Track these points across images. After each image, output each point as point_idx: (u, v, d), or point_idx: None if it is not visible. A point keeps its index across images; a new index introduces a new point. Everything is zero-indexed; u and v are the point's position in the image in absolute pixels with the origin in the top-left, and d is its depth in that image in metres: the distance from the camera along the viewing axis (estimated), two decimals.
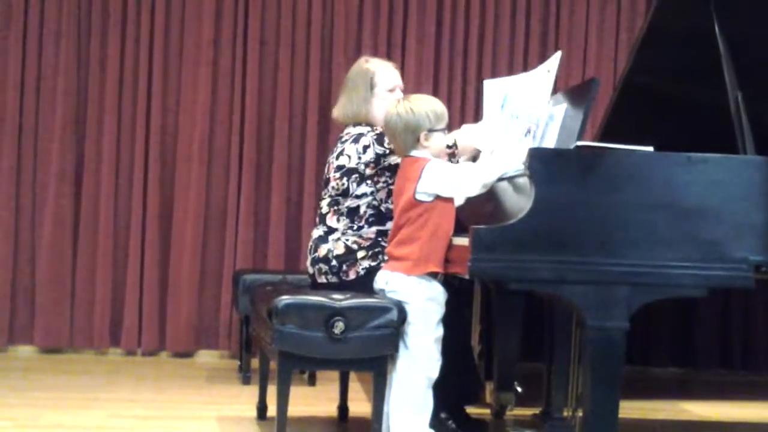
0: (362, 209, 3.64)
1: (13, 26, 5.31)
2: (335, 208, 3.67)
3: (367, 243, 3.63)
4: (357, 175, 3.64)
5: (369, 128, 3.71)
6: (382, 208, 3.63)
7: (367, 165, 3.63)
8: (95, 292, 5.33)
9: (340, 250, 3.62)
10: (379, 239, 3.63)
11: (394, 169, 3.57)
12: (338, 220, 3.66)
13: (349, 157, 3.65)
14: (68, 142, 5.34)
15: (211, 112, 5.41)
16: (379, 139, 3.63)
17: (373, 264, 3.59)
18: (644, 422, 4.28)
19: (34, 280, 5.33)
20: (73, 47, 5.34)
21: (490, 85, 3.71)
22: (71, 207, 5.35)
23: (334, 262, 3.61)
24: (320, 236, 3.66)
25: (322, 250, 3.66)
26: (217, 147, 5.43)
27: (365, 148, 3.65)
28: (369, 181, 3.63)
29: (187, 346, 5.38)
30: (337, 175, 3.67)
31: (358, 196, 3.64)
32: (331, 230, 3.66)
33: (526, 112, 3.40)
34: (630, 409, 4.19)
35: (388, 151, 3.61)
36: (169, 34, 5.40)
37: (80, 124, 5.38)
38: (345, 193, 3.65)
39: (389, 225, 3.62)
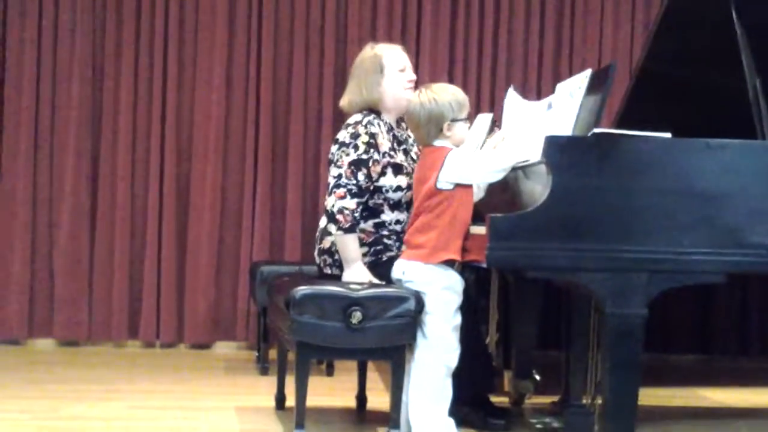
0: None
1: (29, 19, 5.32)
2: None
3: (370, 239, 3.61)
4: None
5: (360, 117, 3.67)
6: (371, 204, 3.62)
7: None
8: (113, 285, 5.35)
9: None
10: (381, 233, 3.62)
11: (366, 165, 3.55)
12: None
13: (332, 150, 3.66)
14: (84, 136, 5.35)
15: (226, 104, 5.41)
16: (346, 140, 3.60)
17: (374, 260, 3.59)
18: (663, 409, 4.27)
19: (52, 274, 5.35)
20: (89, 39, 5.35)
21: (512, 96, 3.76)
22: (88, 200, 5.36)
23: (337, 256, 3.61)
24: (325, 227, 3.66)
25: (327, 243, 3.67)
26: (232, 139, 5.43)
27: (336, 141, 3.65)
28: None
29: (205, 337, 5.40)
30: (328, 167, 3.67)
31: None
32: None
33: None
34: (648, 396, 4.17)
35: (341, 156, 3.57)
36: (183, 24, 5.40)
37: (96, 118, 5.38)
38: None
39: (384, 217, 3.62)
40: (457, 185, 3.31)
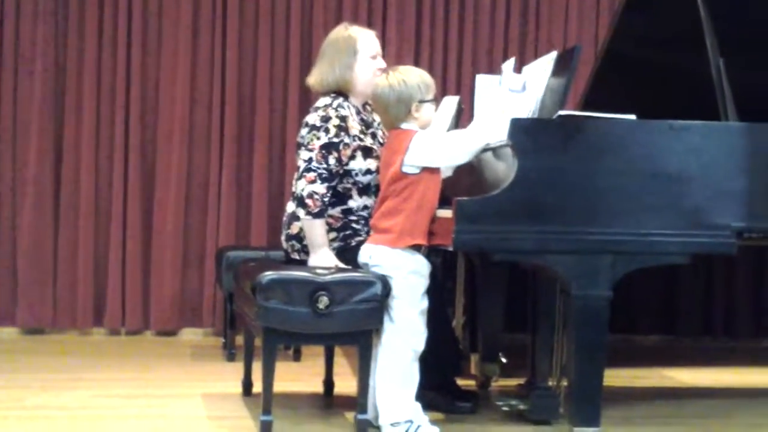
0: None
1: None
2: None
3: (338, 224, 3.60)
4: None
5: (329, 100, 3.65)
6: (339, 189, 3.60)
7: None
8: (77, 272, 5.30)
9: None
10: (349, 218, 3.61)
11: (337, 149, 3.54)
12: None
13: (301, 133, 3.64)
14: (47, 122, 5.29)
15: (191, 88, 5.37)
16: (316, 123, 3.58)
17: (343, 245, 3.58)
18: (628, 390, 4.30)
19: (15, 262, 5.29)
20: (51, 30, 5.28)
21: (482, 81, 3.75)
22: (51, 187, 5.31)
23: (305, 242, 3.60)
24: (293, 212, 3.64)
25: (295, 228, 3.65)
26: (197, 123, 5.39)
27: (305, 125, 3.63)
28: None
29: (171, 324, 5.37)
30: (297, 150, 3.65)
31: None
32: None
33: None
34: (614, 377, 4.21)
35: (312, 139, 3.55)
36: (147, 8, 5.34)
37: (59, 103, 5.32)
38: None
39: (351, 203, 3.60)
40: (424, 169, 3.30)
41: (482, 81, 3.91)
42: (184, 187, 5.36)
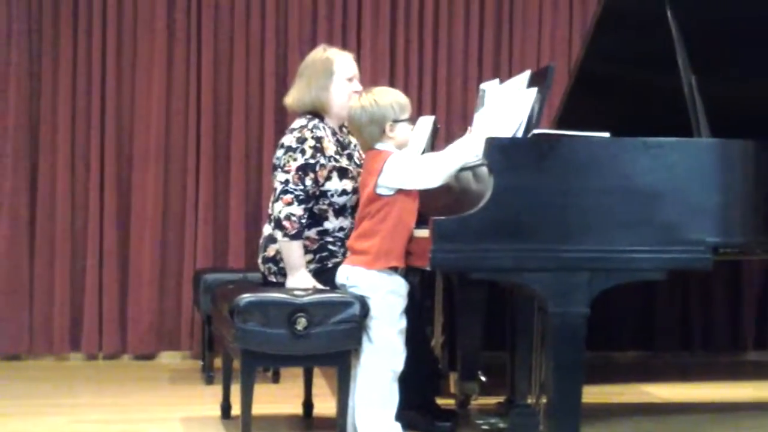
0: None
1: None
2: None
3: (314, 246, 3.60)
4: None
5: (305, 121, 3.65)
6: (315, 210, 3.60)
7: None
8: (54, 296, 5.26)
9: None
10: (326, 240, 3.61)
11: (313, 170, 3.53)
12: None
13: (277, 155, 3.64)
14: (22, 143, 5.25)
15: (166, 110, 5.36)
16: (292, 145, 3.58)
17: (320, 267, 3.58)
18: (607, 406, 4.31)
19: None
20: (25, 45, 5.26)
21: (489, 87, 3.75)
22: (27, 210, 5.27)
23: (282, 264, 3.59)
24: (270, 235, 3.64)
25: (271, 251, 3.65)
26: (173, 146, 5.37)
27: (281, 146, 3.63)
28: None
29: (149, 347, 5.34)
30: (273, 172, 3.65)
31: None
32: None
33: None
34: (592, 394, 4.22)
35: (288, 160, 3.55)
36: (121, 29, 5.33)
37: (34, 124, 5.29)
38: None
39: (327, 225, 3.60)
40: (399, 191, 3.30)
41: (489, 88, 3.87)
42: (161, 209, 5.34)
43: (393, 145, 3.38)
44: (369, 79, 5.26)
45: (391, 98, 3.38)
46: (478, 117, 3.74)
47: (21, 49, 5.25)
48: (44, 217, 5.28)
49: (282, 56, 5.43)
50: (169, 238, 5.36)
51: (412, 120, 3.53)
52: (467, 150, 3.25)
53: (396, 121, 3.37)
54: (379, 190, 3.30)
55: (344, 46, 4.91)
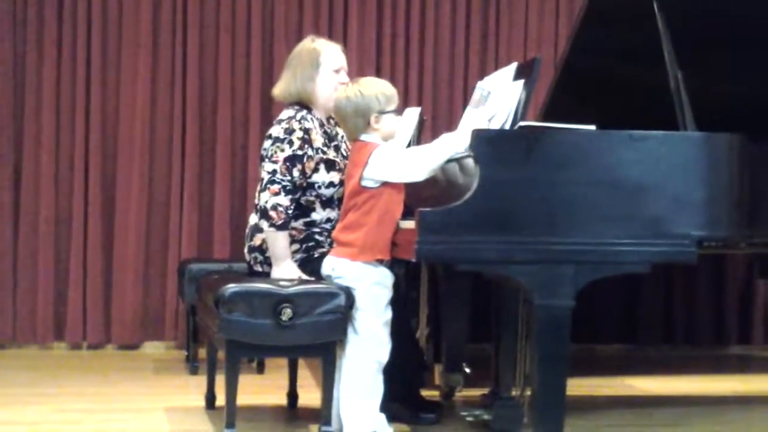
0: None
1: None
2: None
3: (301, 236, 3.60)
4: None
5: (292, 112, 3.65)
6: (302, 201, 3.60)
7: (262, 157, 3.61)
8: (37, 285, 5.24)
9: None
10: (312, 230, 3.61)
11: (301, 161, 3.53)
12: None
13: (264, 146, 3.63)
14: (6, 134, 5.23)
15: (151, 101, 5.34)
16: (280, 136, 3.57)
17: (306, 256, 3.57)
18: (591, 399, 4.33)
19: None
20: (9, 37, 5.23)
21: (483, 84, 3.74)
22: (11, 200, 5.25)
23: (268, 253, 3.59)
24: (256, 224, 3.63)
25: (257, 240, 3.64)
26: (158, 136, 5.35)
27: (269, 137, 3.62)
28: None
29: (133, 338, 5.32)
30: (260, 162, 3.64)
31: None
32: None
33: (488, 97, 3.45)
34: (577, 387, 4.24)
35: (276, 151, 3.54)
36: (106, 21, 5.31)
37: (18, 116, 5.27)
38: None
39: (314, 216, 3.60)
40: (384, 183, 3.29)
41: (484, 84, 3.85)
42: (146, 199, 5.32)
43: (379, 136, 3.36)
44: (355, 70, 5.25)
45: (376, 89, 3.36)
46: (468, 112, 3.73)
47: (4, 41, 5.21)
48: (28, 205, 5.25)
49: (268, 47, 5.42)
50: (154, 227, 5.35)
51: (399, 111, 3.52)
52: (453, 144, 3.23)
53: (381, 112, 3.35)
54: (364, 183, 3.29)
55: (331, 37, 4.90)
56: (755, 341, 5.76)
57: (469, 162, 3.14)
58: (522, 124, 3.13)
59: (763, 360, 5.54)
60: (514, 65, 3.46)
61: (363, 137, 3.36)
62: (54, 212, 5.27)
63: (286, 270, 3.51)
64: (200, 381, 4.15)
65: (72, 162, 5.28)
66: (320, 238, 3.61)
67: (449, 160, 3.33)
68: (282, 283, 3.37)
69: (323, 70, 3.70)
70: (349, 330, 3.33)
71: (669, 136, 3.17)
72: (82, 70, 5.27)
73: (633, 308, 5.64)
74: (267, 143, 3.61)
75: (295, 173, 3.53)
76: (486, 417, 3.62)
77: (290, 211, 3.52)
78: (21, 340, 5.27)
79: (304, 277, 3.48)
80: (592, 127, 3.11)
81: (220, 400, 3.60)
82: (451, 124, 4.98)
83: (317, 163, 3.59)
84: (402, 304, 3.65)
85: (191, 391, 4.25)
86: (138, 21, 5.31)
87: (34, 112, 5.26)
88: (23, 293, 5.25)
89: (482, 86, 3.63)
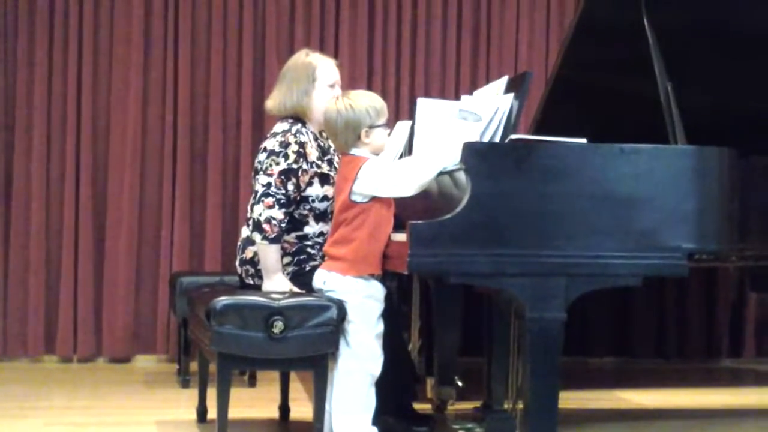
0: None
1: None
2: None
3: (293, 249, 3.60)
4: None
5: (287, 126, 3.65)
6: (296, 215, 3.60)
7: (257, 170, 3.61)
8: (28, 298, 5.23)
9: None
10: (304, 244, 3.60)
11: (296, 175, 3.54)
12: None
13: (259, 159, 3.63)
14: None
15: (143, 113, 5.34)
16: (275, 149, 3.57)
17: (297, 270, 3.57)
18: (583, 412, 4.33)
19: None
20: None
21: (423, 104, 3.74)
22: (2, 213, 5.24)
23: (260, 266, 3.59)
24: (248, 237, 3.63)
25: (249, 253, 3.64)
26: (150, 148, 5.35)
27: (263, 150, 3.62)
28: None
29: (124, 351, 5.31)
30: (254, 175, 3.64)
31: None
32: None
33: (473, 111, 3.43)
34: (569, 399, 4.23)
35: (271, 164, 3.54)
36: (98, 32, 5.31)
37: (9, 127, 5.26)
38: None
39: (307, 229, 3.60)
40: (374, 198, 3.28)
41: (424, 105, 3.88)
42: (137, 211, 5.32)
43: (368, 150, 3.35)
44: (347, 83, 5.26)
45: (366, 103, 3.35)
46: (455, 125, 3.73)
47: None
48: (18, 218, 5.24)
49: (259, 59, 5.42)
50: (145, 240, 5.34)
51: (389, 124, 3.51)
52: (443, 158, 3.21)
53: (372, 126, 3.34)
54: (353, 197, 3.28)
55: (322, 50, 4.91)
56: (747, 354, 5.77)
57: (461, 175, 3.14)
58: (513, 137, 3.14)
59: (755, 373, 5.55)
60: (504, 79, 3.47)
61: (353, 151, 3.36)
62: (45, 225, 5.26)
63: (277, 283, 3.50)
64: (192, 394, 4.14)
65: (63, 175, 5.27)
66: (312, 251, 3.60)
67: (441, 173, 3.33)
68: (273, 295, 3.36)
69: (319, 84, 3.70)
70: (341, 343, 3.33)
71: (660, 149, 3.18)
72: (73, 82, 5.27)
73: (625, 321, 5.64)
74: (262, 156, 3.61)
75: (290, 187, 3.53)
76: (478, 430, 3.61)
77: (284, 225, 3.52)
78: (11, 354, 5.25)
79: (296, 290, 3.48)
80: (583, 140, 3.12)
81: (212, 414, 3.59)
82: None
83: (311, 177, 3.59)
84: (394, 316, 3.64)
85: (183, 404, 4.24)
86: (129, 33, 5.32)
87: (25, 125, 5.26)
88: (14, 306, 5.23)
89: (464, 107, 3.63)
